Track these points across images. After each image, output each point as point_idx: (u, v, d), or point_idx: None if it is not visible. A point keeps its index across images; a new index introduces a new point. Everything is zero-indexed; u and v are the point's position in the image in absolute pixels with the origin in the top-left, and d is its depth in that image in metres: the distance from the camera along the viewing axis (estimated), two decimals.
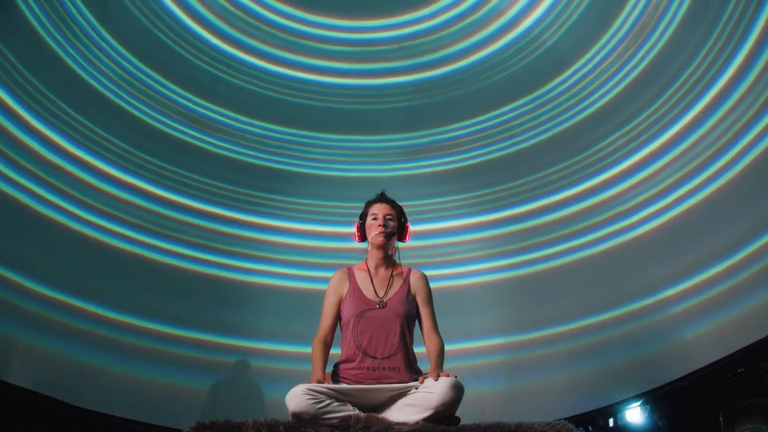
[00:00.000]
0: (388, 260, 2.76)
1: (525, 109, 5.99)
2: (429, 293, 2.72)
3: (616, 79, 5.50)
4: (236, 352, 5.56)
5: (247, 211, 6.05)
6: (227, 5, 5.95)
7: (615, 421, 5.03)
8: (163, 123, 5.81)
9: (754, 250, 4.50)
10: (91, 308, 5.06)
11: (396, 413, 2.34)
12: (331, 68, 6.31)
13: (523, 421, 2.23)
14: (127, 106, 5.60)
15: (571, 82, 5.75)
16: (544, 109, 5.91)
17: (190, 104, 5.95)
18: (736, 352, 4.40)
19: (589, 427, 5.07)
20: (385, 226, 2.72)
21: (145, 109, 5.70)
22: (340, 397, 2.32)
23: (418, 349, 2.62)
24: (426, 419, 2.28)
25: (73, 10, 5.14)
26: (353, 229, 2.83)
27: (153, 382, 5.16)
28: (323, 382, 2.42)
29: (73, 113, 5.20)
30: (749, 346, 4.32)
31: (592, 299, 5.40)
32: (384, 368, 2.50)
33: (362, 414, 2.28)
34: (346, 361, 2.56)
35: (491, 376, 5.47)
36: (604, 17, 5.46)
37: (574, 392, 5.23)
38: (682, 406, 4.68)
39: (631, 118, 5.42)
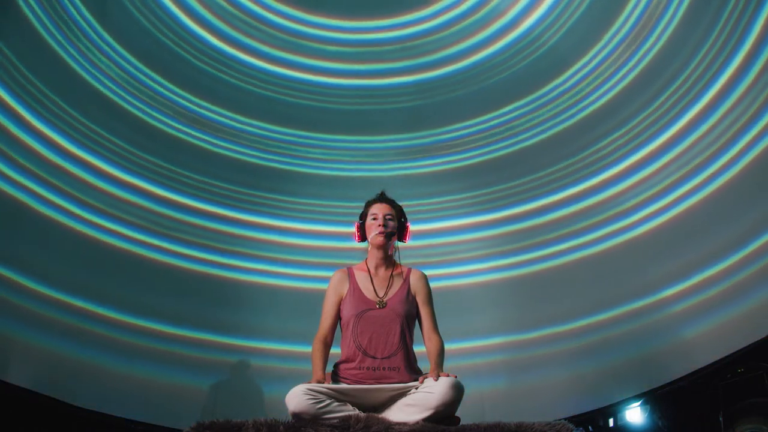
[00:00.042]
0: (388, 260, 2.76)
1: (526, 109, 5.99)
2: (429, 293, 2.72)
3: (616, 78, 5.50)
4: (236, 351, 5.56)
5: (247, 211, 6.05)
6: (228, 6, 5.95)
7: (615, 421, 5.04)
8: (163, 123, 5.81)
9: (754, 250, 4.51)
10: (91, 308, 5.06)
11: (396, 413, 2.34)
12: (331, 69, 6.31)
13: (523, 421, 2.23)
14: (127, 106, 5.60)
15: (571, 82, 5.75)
16: (544, 110, 5.91)
17: (190, 105, 5.95)
18: (736, 352, 4.40)
19: (589, 427, 5.07)
20: (385, 226, 2.72)
21: (146, 108, 5.70)
22: (340, 397, 2.32)
23: (418, 349, 2.62)
24: (426, 419, 2.28)
25: (73, 11, 5.14)
26: (353, 229, 2.83)
27: (153, 382, 5.17)
28: (323, 382, 2.42)
29: (73, 113, 5.20)
30: (749, 346, 4.32)
31: (592, 299, 5.40)
32: (384, 368, 2.50)
33: (362, 414, 2.28)
34: (346, 361, 2.56)
35: (491, 376, 5.47)
36: (605, 17, 5.46)
37: (574, 392, 5.23)
38: (682, 406, 4.68)
39: (630, 117, 5.42)
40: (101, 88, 5.43)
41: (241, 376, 5.54)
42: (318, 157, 6.30)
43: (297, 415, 2.24)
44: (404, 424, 2.26)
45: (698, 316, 4.79)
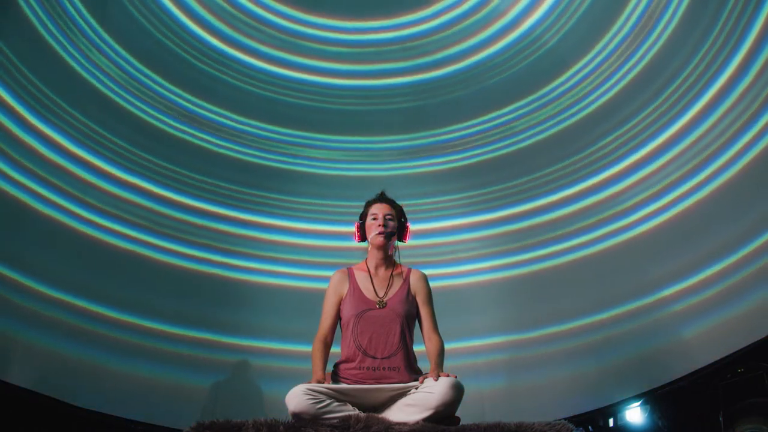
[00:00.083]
0: (388, 260, 2.76)
1: (527, 109, 5.99)
2: (429, 293, 2.72)
3: (615, 78, 5.50)
4: (237, 351, 5.56)
5: (248, 210, 6.05)
6: (229, 8, 5.95)
7: (615, 421, 5.03)
8: (163, 122, 5.81)
9: (753, 249, 4.51)
10: (92, 307, 5.07)
11: (396, 413, 2.34)
12: (332, 69, 6.30)
13: (523, 421, 2.23)
14: (127, 105, 5.60)
15: (572, 82, 5.74)
16: (545, 110, 5.91)
17: (191, 106, 5.95)
18: (736, 352, 4.40)
19: (589, 427, 5.07)
20: (384, 226, 2.72)
21: (146, 108, 5.70)
22: (340, 397, 2.32)
23: (418, 349, 2.62)
24: (426, 419, 2.28)
25: (72, 11, 5.14)
26: (353, 229, 2.83)
27: (153, 381, 5.17)
28: (323, 382, 2.42)
29: (73, 112, 5.20)
30: (749, 346, 4.32)
31: (592, 298, 5.41)
32: (384, 368, 2.50)
33: (362, 414, 2.28)
34: (346, 361, 2.56)
35: (491, 376, 5.48)
36: (605, 18, 5.45)
37: (574, 392, 5.23)
38: (682, 406, 4.68)
39: (629, 117, 5.42)
40: (101, 88, 5.43)
41: (242, 375, 5.54)
42: (318, 156, 6.30)
43: (297, 415, 2.24)
44: (404, 424, 2.26)
45: (698, 315, 4.79)
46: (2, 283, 4.58)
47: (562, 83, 5.79)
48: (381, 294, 2.65)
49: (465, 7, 5.99)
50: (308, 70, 6.28)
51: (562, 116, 5.83)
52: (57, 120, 5.09)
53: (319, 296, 2.73)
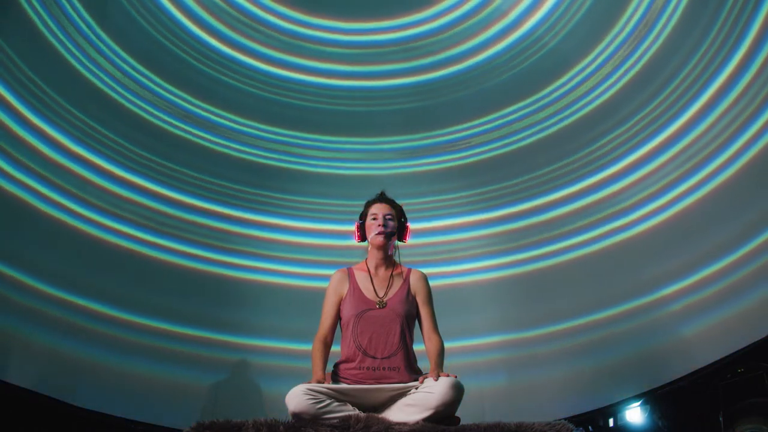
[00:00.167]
0: (388, 260, 2.76)
1: (529, 110, 5.98)
2: (429, 293, 2.72)
3: (614, 77, 5.50)
4: (237, 350, 5.56)
5: (249, 209, 6.06)
6: (232, 11, 5.95)
7: (615, 421, 5.03)
8: (164, 121, 5.81)
9: (753, 248, 4.51)
10: (92, 305, 5.06)
11: (396, 413, 2.34)
12: (332, 70, 6.30)
13: (523, 421, 2.23)
14: (127, 104, 5.59)
15: (574, 83, 5.74)
16: (546, 111, 5.91)
17: (192, 107, 5.95)
18: (736, 352, 4.40)
19: (589, 427, 5.07)
20: (384, 226, 2.72)
21: (146, 106, 5.70)
22: (340, 397, 2.33)
23: (418, 348, 2.62)
24: (426, 419, 2.28)
25: (70, 10, 5.14)
26: (353, 228, 2.83)
27: (153, 381, 5.17)
28: (323, 382, 2.42)
29: (74, 111, 5.20)
30: (749, 346, 4.32)
31: (591, 298, 5.41)
32: (384, 368, 2.50)
33: (362, 414, 2.28)
34: (346, 361, 2.56)
35: (491, 375, 5.48)
36: (606, 18, 5.45)
37: (574, 392, 5.23)
38: (682, 406, 4.68)
39: (628, 117, 5.42)
40: (102, 86, 5.42)
41: (242, 375, 5.54)
42: (318, 156, 6.30)
43: (297, 415, 2.24)
44: (404, 424, 2.26)
45: (697, 314, 4.79)
46: (2, 281, 4.58)
47: (564, 83, 5.78)
48: (381, 294, 2.65)
49: (466, 8, 5.99)
50: (309, 71, 6.28)
51: (561, 115, 5.83)
52: (57, 118, 5.09)
53: (319, 295, 2.73)
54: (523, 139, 6.03)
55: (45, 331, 4.78)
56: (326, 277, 2.78)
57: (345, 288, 2.68)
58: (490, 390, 5.35)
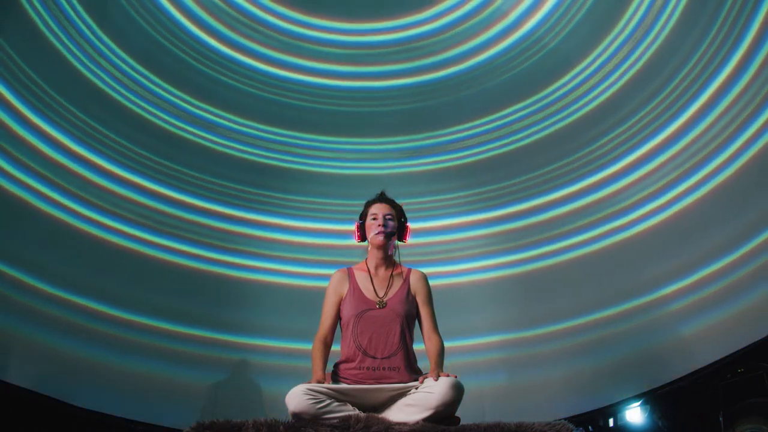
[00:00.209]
0: (388, 260, 2.76)
1: (529, 110, 5.99)
2: (429, 293, 2.72)
3: (614, 77, 5.51)
4: (238, 349, 5.57)
5: (250, 209, 6.06)
6: (234, 13, 5.95)
7: (615, 421, 5.04)
8: (164, 121, 5.81)
9: (752, 248, 4.51)
10: (92, 305, 5.07)
11: (396, 413, 2.34)
12: (333, 71, 6.30)
13: (523, 421, 2.23)
14: (128, 104, 5.60)
15: (574, 83, 5.75)
16: (546, 111, 5.91)
17: (193, 108, 5.95)
18: (736, 352, 4.40)
19: (589, 427, 5.07)
20: (384, 225, 2.72)
21: (147, 106, 5.70)
22: (340, 397, 2.32)
23: (418, 347, 2.62)
24: (426, 419, 2.28)
25: (71, 12, 5.14)
26: (353, 228, 2.83)
27: (153, 380, 5.17)
28: (323, 382, 2.42)
29: (75, 110, 5.21)
30: (749, 346, 4.32)
31: (590, 297, 5.41)
32: (384, 368, 2.50)
33: (362, 414, 2.28)
34: (346, 361, 2.56)
35: (491, 375, 5.48)
36: (607, 18, 5.46)
37: (574, 392, 5.23)
38: (682, 406, 4.68)
39: (628, 116, 5.43)
40: (102, 86, 5.43)
41: (242, 374, 5.54)
42: (319, 155, 6.30)
43: (297, 415, 2.24)
44: (404, 424, 2.26)
45: (697, 314, 4.80)
46: (3, 280, 4.58)
47: (564, 84, 5.79)
48: (381, 294, 2.65)
49: (466, 8, 5.99)
50: (310, 72, 6.28)
51: (561, 115, 5.84)
52: (58, 118, 5.10)
53: (320, 295, 2.73)
54: (523, 138, 6.04)
55: (45, 330, 4.79)
56: (327, 277, 2.78)
57: (345, 288, 2.68)
58: (490, 390, 5.35)
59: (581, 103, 5.72)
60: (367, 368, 2.50)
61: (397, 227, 2.76)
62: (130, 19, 5.52)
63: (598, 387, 5.21)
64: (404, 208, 2.87)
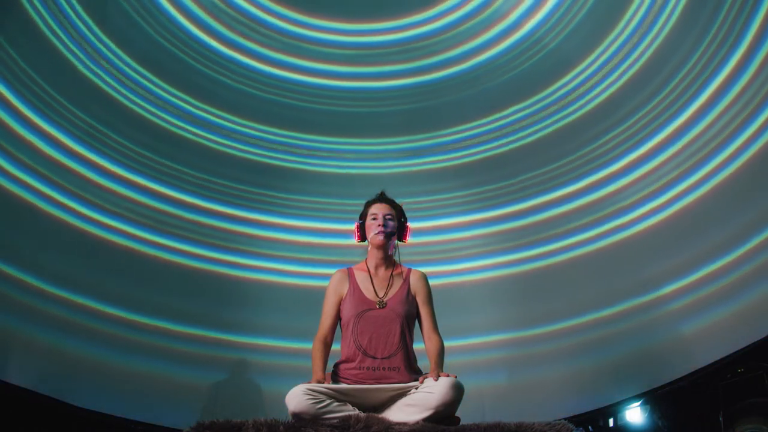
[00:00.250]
0: (388, 260, 2.76)
1: (530, 110, 5.99)
2: (429, 293, 2.72)
3: (614, 76, 5.51)
4: (238, 349, 5.57)
5: (250, 209, 6.06)
6: (237, 15, 5.95)
7: (615, 421, 5.03)
8: (165, 121, 5.81)
9: (753, 247, 4.52)
10: (93, 305, 5.08)
11: (396, 413, 2.34)
12: (333, 72, 6.30)
13: (523, 421, 2.23)
14: (129, 104, 5.60)
15: (575, 83, 5.74)
16: (547, 110, 5.91)
17: (194, 109, 5.96)
18: (736, 352, 4.40)
19: (589, 427, 5.07)
20: (384, 225, 2.72)
21: (148, 106, 5.70)
22: (340, 397, 2.32)
23: (418, 347, 2.62)
24: (426, 419, 2.28)
25: (71, 12, 5.14)
26: (353, 228, 2.83)
27: (154, 380, 5.17)
28: (323, 382, 2.42)
29: (76, 111, 5.21)
30: (749, 346, 4.32)
31: (590, 296, 5.42)
32: (384, 368, 2.50)
33: (362, 414, 2.28)
34: (346, 361, 2.56)
35: (491, 374, 5.48)
36: (608, 19, 5.45)
37: (574, 391, 5.23)
38: (682, 406, 4.68)
39: (628, 115, 5.43)
40: (104, 87, 5.43)
41: (243, 374, 5.55)
42: (319, 155, 6.30)
43: (297, 415, 2.24)
44: (404, 424, 2.26)
45: (697, 313, 4.80)
46: (3, 280, 4.58)
47: (565, 84, 5.79)
48: (381, 294, 2.65)
49: (467, 8, 5.99)
50: (311, 72, 6.28)
51: (561, 114, 5.84)
52: (59, 118, 5.10)
53: (321, 294, 2.73)
54: (523, 138, 6.04)
55: (45, 330, 4.79)
56: (327, 276, 2.78)
57: (345, 288, 2.68)
58: (490, 389, 5.35)
59: (581, 102, 5.72)
60: (367, 368, 2.50)
61: (397, 227, 2.76)
62: (129, 19, 5.51)
63: (598, 387, 5.21)
64: (404, 207, 2.87)
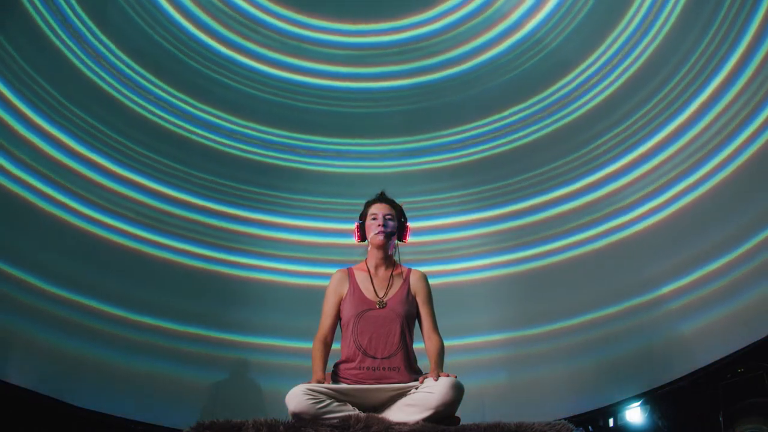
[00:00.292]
0: (388, 260, 2.76)
1: (531, 110, 5.99)
2: (429, 293, 2.72)
3: (613, 76, 5.51)
4: (238, 349, 5.57)
5: (251, 209, 6.06)
6: (239, 17, 5.95)
7: (615, 421, 5.03)
8: (167, 121, 5.81)
9: (752, 247, 4.52)
10: (94, 304, 5.08)
11: (396, 413, 2.34)
12: (333, 72, 6.30)
13: (523, 421, 2.23)
14: (130, 104, 5.60)
15: (575, 84, 5.74)
16: (547, 110, 5.91)
17: (195, 111, 5.96)
18: (736, 352, 4.40)
19: (589, 427, 5.07)
20: (384, 225, 2.72)
21: (149, 106, 5.70)
22: (340, 397, 2.33)
23: (418, 347, 2.62)
24: (426, 419, 2.28)
25: (70, 13, 5.14)
26: (353, 228, 2.83)
27: (154, 380, 5.18)
28: (323, 382, 2.42)
29: (77, 110, 5.21)
30: (749, 346, 4.32)
31: (590, 296, 5.42)
32: (384, 368, 2.50)
33: (362, 414, 2.28)
34: (346, 361, 2.56)
35: (490, 374, 5.48)
36: (608, 19, 5.46)
37: (574, 392, 5.23)
38: (682, 406, 4.68)
39: (627, 115, 5.43)
40: (104, 86, 5.43)
41: (243, 374, 5.55)
42: (320, 154, 6.31)
43: (297, 415, 2.25)
44: (404, 424, 2.26)
45: (697, 313, 4.80)
46: (4, 279, 4.58)
47: (565, 84, 5.79)
48: (381, 294, 2.65)
49: (467, 9, 5.99)
50: (312, 73, 6.29)
51: (560, 114, 5.84)
52: (60, 118, 5.10)
53: (322, 294, 2.73)
54: (523, 138, 6.04)
55: (46, 329, 4.79)
56: (328, 276, 2.78)
57: (345, 288, 2.68)
58: (490, 389, 5.35)
59: (581, 102, 5.72)
60: (367, 368, 2.50)
61: (397, 227, 2.76)
62: (129, 19, 5.51)
63: (598, 387, 5.21)
64: (404, 207, 2.87)
